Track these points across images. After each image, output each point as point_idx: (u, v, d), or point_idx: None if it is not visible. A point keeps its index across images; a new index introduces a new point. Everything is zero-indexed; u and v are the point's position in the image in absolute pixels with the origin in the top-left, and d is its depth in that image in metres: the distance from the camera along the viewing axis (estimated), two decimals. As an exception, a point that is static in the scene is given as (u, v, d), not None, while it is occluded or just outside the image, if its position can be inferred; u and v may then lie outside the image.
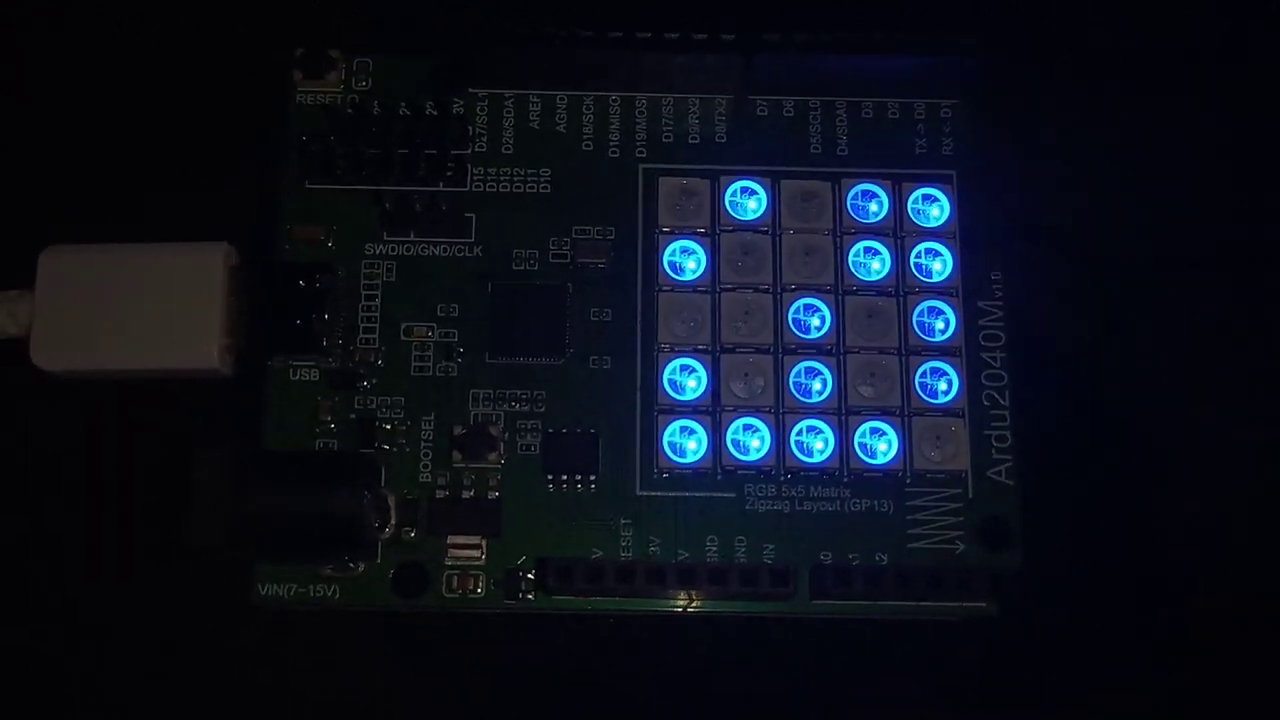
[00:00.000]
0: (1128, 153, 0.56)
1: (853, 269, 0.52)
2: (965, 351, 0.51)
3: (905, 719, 0.52)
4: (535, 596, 0.49)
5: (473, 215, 0.53)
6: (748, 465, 0.50)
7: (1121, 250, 0.55)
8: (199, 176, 0.55)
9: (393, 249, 0.52)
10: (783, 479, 0.50)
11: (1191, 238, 0.56)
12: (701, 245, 0.52)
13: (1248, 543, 0.53)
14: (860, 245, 0.52)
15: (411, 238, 0.52)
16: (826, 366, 0.51)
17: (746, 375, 0.51)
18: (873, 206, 0.53)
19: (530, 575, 0.49)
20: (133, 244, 0.51)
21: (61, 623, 0.51)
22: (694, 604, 0.50)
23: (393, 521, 0.50)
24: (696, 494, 0.50)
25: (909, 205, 0.53)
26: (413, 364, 0.51)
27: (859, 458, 0.50)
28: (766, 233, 0.52)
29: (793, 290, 0.52)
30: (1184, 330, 0.55)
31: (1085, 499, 0.53)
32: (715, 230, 0.52)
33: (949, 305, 0.52)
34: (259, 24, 0.56)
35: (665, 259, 0.52)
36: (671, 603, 0.50)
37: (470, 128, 0.53)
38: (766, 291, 0.52)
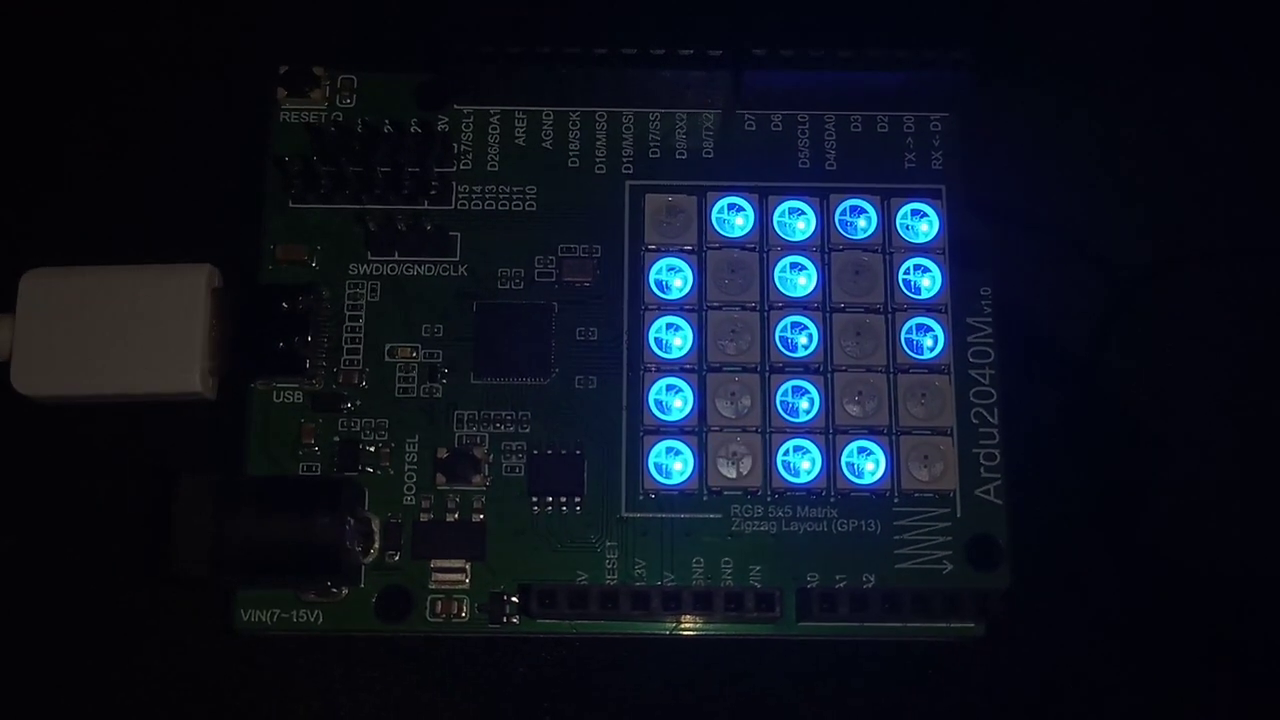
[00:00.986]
0: (1119, 167, 0.56)
1: (840, 286, 0.51)
2: (954, 369, 0.51)
3: (895, 739, 0.52)
4: (520, 621, 0.49)
5: (458, 234, 0.52)
6: (734, 486, 0.50)
7: (1113, 266, 0.55)
8: (181, 197, 0.54)
9: (377, 269, 0.52)
10: (769, 499, 0.50)
11: (1185, 253, 0.55)
12: (688, 263, 0.52)
13: (1240, 563, 0.53)
14: (849, 261, 0.52)
15: (396, 257, 0.52)
16: (814, 385, 0.51)
17: (733, 395, 0.51)
18: (861, 222, 0.52)
19: (514, 599, 0.49)
20: (114, 266, 0.51)
21: (42, 649, 0.51)
22: (680, 627, 0.49)
23: (376, 545, 0.49)
24: (682, 515, 0.50)
25: (898, 220, 0.52)
26: (397, 385, 0.51)
27: (846, 478, 0.50)
28: (754, 250, 0.52)
29: (780, 308, 0.51)
30: (1176, 347, 0.54)
31: (1074, 518, 0.52)
32: (702, 247, 0.52)
33: (938, 322, 0.51)
34: (242, 42, 0.56)
35: (651, 277, 0.52)
36: (657, 626, 0.50)
37: (455, 145, 0.53)
38: (753, 309, 0.51)
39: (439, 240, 0.52)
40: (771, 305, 0.51)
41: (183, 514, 0.46)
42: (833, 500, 0.50)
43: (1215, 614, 0.52)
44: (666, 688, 0.51)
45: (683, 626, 0.49)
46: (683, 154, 0.53)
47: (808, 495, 0.50)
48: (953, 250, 0.52)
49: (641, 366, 0.51)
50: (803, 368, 0.51)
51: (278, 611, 0.49)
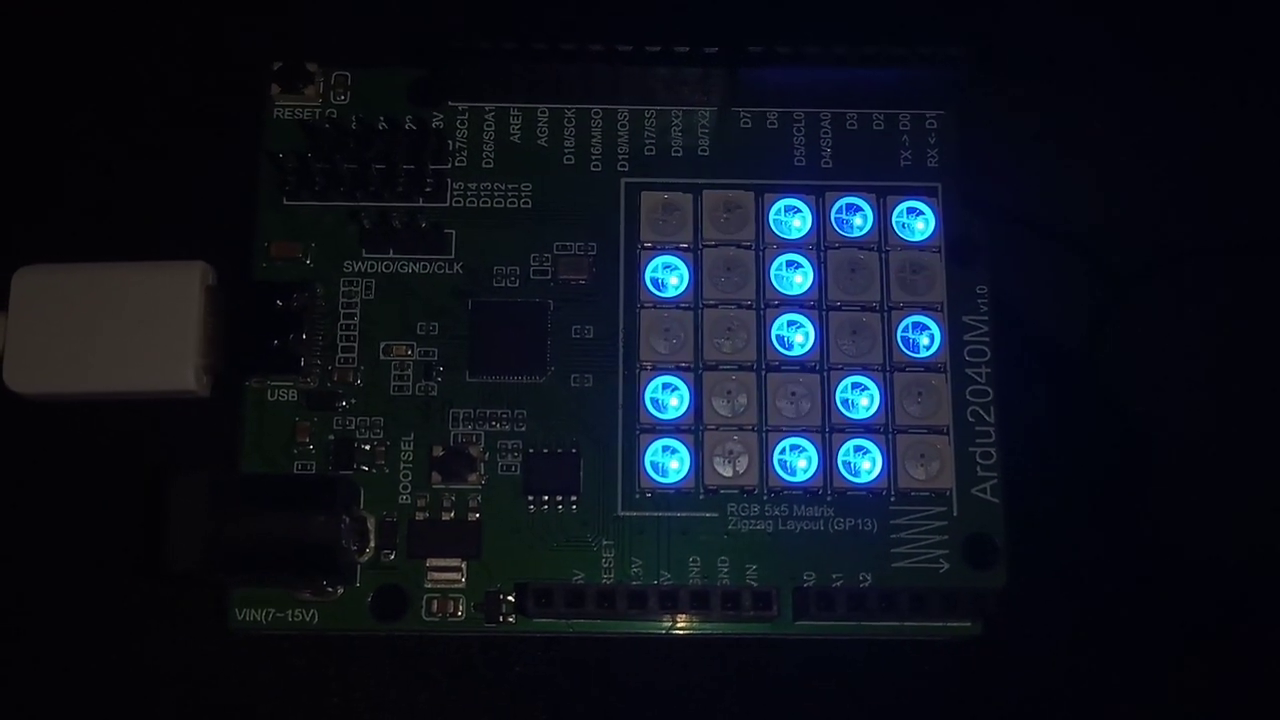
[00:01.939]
0: (1115, 165, 0.56)
1: (837, 284, 0.51)
2: (950, 367, 0.51)
3: (890, 739, 0.52)
4: (516, 620, 0.49)
5: (452, 231, 0.52)
6: (731, 485, 0.50)
7: (1110, 264, 0.55)
8: (174, 193, 0.54)
9: (371, 266, 0.52)
10: (766, 498, 0.50)
11: (1182, 252, 0.55)
12: (684, 260, 0.51)
13: (1238, 560, 0.53)
14: (845, 259, 0.52)
15: (390, 255, 0.52)
16: (810, 383, 0.50)
17: (729, 393, 0.50)
18: (857, 220, 0.52)
19: (510, 598, 0.49)
20: (107, 263, 0.50)
21: (36, 647, 0.51)
22: (676, 627, 0.49)
23: (371, 544, 0.49)
24: (679, 514, 0.50)
25: (893, 219, 0.52)
26: (392, 383, 0.51)
27: (843, 476, 0.50)
28: (750, 248, 0.52)
29: (776, 306, 0.51)
30: (1173, 346, 0.54)
31: (1070, 517, 0.52)
32: (698, 245, 0.52)
33: (934, 320, 0.51)
34: (235, 38, 0.56)
35: (647, 275, 0.51)
36: (654, 626, 0.49)
37: (450, 142, 0.53)
38: (750, 308, 0.51)
39: (434, 238, 0.52)
40: (768, 303, 0.51)
41: (177, 512, 0.46)
42: (829, 499, 0.50)
43: (1212, 612, 0.52)
44: (663, 687, 0.51)
45: (679, 625, 0.49)
46: (678, 152, 0.53)
47: (804, 494, 0.50)
48: (949, 249, 0.52)
49: (637, 365, 0.51)
50: (799, 367, 0.51)
51: (273, 610, 0.49)
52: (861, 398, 0.50)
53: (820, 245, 0.52)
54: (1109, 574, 0.52)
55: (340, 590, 0.49)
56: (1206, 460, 0.53)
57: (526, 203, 0.52)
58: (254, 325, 0.50)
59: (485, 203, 0.52)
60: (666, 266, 0.52)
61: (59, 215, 0.54)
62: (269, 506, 0.46)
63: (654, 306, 0.51)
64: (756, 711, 0.51)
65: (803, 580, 0.49)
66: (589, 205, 0.52)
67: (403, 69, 0.53)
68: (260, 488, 0.47)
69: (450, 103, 0.53)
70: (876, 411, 0.50)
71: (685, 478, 0.50)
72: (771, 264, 0.51)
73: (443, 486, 0.50)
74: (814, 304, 0.51)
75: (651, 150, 0.53)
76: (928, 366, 0.51)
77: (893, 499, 0.50)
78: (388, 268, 0.52)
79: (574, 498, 0.50)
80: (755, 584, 0.49)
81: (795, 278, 0.51)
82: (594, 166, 0.53)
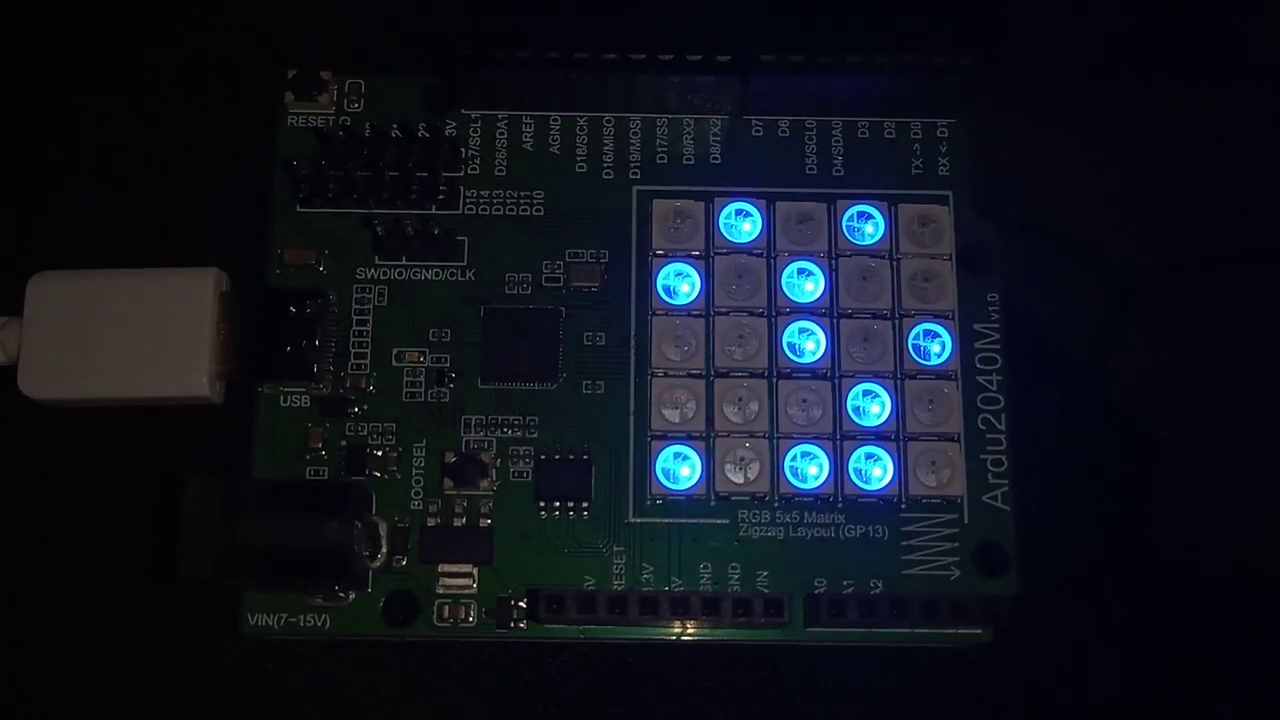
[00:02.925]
0: (1126, 173, 0.56)
1: (848, 291, 0.51)
2: (961, 375, 0.51)
3: (901, 746, 0.52)
4: (527, 626, 0.49)
5: (465, 238, 0.52)
6: (742, 491, 0.50)
7: (1121, 272, 0.55)
8: (189, 200, 0.54)
9: (384, 273, 0.52)
10: (777, 505, 0.50)
11: (1194, 257, 0.55)
12: (695, 268, 0.52)
13: (1249, 567, 0.53)
14: (856, 267, 0.52)
15: (403, 261, 0.52)
16: (821, 391, 0.51)
17: (740, 400, 0.51)
18: (868, 228, 0.52)
19: (522, 604, 0.49)
20: (122, 270, 0.50)
21: (49, 653, 0.51)
22: (688, 633, 0.49)
23: (384, 550, 0.49)
24: (690, 521, 0.50)
25: (904, 226, 0.52)
26: (404, 390, 0.51)
27: (854, 483, 0.50)
28: (761, 255, 0.52)
29: (787, 314, 0.51)
30: (1185, 353, 0.54)
31: (1081, 525, 0.52)
32: (709, 253, 0.52)
33: (945, 328, 0.51)
34: (250, 46, 0.56)
35: (659, 282, 0.52)
36: (665, 631, 0.49)
37: (463, 149, 0.53)
38: (761, 315, 0.51)
39: (446, 245, 0.52)
40: (779, 311, 0.51)
41: (190, 518, 0.46)
42: (840, 506, 0.50)
43: (1222, 620, 0.52)
44: (674, 693, 0.51)
45: (690, 632, 0.49)
46: (690, 160, 0.53)
47: (815, 501, 0.50)
48: (960, 257, 0.52)
49: (649, 372, 0.51)
50: (810, 373, 0.51)
51: (285, 616, 0.49)
52: (873, 405, 0.51)
53: (832, 253, 0.52)
54: (1120, 582, 0.52)
55: (352, 596, 0.49)
56: (1218, 468, 0.53)
57: (539, 210, 0.53)
58: (267, 331, 0.50)
59: (498, 210, 0.52)
60: (678, 274, 0.52)
61: (73, 222, 0.54)
62: (281, 512, 0.47)
63: (665, 314, 0.51)
64: (767, 718, 0.51)
65: (814, 587, 0.49)
66: (601, 213, 0.52)
67: (417, 77, 0.53)
68: (273, 493, 0.47)
69: (463, 110, 0.53)
70: (888, 419, 0.50)
71: (696, 484, 0.50)
72: (783, 271, 0.52)
73: (455, 492, 0.50)
74: (825, 311, 0.51)
75: (664, 158, 0.53)
76: (939, 374, 0.51)
77: (904, 506, 0.50)
78: (400, 274, 0.52)
79: (585, 504, 0.50)
80: (766, 590, 0.49)
81: (806, 285, 0.51)
82: (606, 174, 0.53)
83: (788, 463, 0.50)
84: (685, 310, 0.51)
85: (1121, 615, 0.52)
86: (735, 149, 0.53)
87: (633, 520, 0.50)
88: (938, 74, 0.52)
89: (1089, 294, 0.55)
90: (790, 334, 0.51)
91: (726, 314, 0.51)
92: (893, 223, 0.52)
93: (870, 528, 0.50)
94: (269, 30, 0.56)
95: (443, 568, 0.49)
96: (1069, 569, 0.52)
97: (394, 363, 0.51)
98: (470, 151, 0.53)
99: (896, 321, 0.51)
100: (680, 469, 0.50)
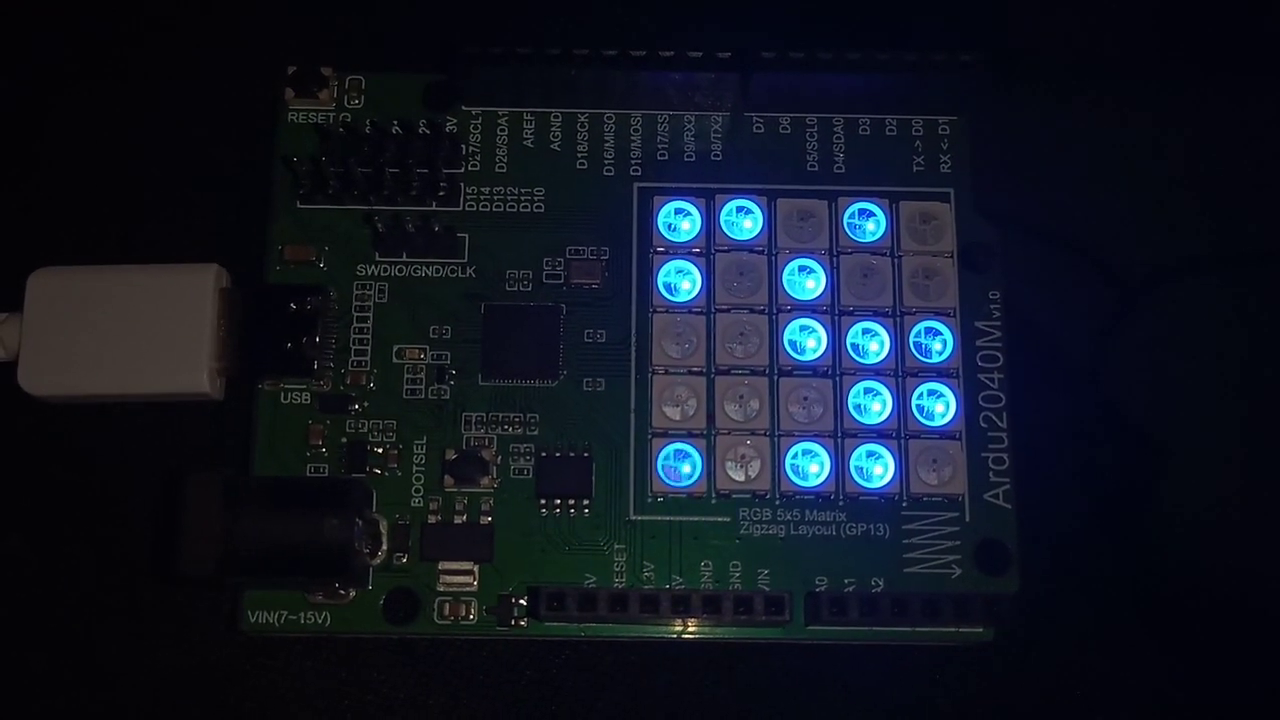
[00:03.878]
0: (1128, 171, 0.55)
1: (849, 289, 0.51)
2: (963, 373, 0.51)
3: (902, 744, 0.52)
4: (528, 623, 0.49)
5: (466, 235, 0.52)
6: (743, 489, 0.50)
7: (1122, 269, 0.55)
8: (189, 197, 0.54)
9: (385, 269, 0.52)
10: (778, 503, 0.50)
11: (1195, 258, 0.55)
12: (696, 265, 0.52)
13: (1249, 569, 0.53)
14: (857, 264, 0.52)
15: (404, 258, 0.52)
16: (822, 388, 0.50)
17: (741, 397, 0.50)
18: (870, 225, 0.52)
19: (523, 602, 0.49)
20: (122, 266, 0.50)
21: (47, 649, 0.51)
22: (688, 631, 0.49)
23: (384, 547, 0.49)
24: (691, 518, 0.50)
25: (906, 224, 0.52)
26: (405, 387, 0.51)
27: (855, 481, 0.50)
28: (762, 253, 0.52)
29: (788, 311, 0.51)
30: (1185, 353, 0.54)
31: (1083, 523, 0.52)
32: (710, 250, 0.52)
33: (947, 326, 0.51)
34: (250, 42, 0.56)
35: (660, 280, 0.51)
36: (666, 629, 0.49)
37: (464, 146, 0.53)
38: (762, 312, 0.51)
39: (447, 241, 0.52)
40: (780, 308, 0.51)
41: (190, 514, 0.46)
42: (841, 504, 0.50)
43: (1224, 619, 0.52)
44: (674, 691, 0.51)
45: (691, 630, 0.49)
46: (691, 156, 0.53)
47: (816, 499, 0.50)
48: (961, 254, 0.52)
49: (650, 369, 0.51)
50: (811, 371, 0.51)
51: (285, 613, 0.49)
52: (874, 403, 0.50)
53: (833, 250, 0.52)
54: (1121, 579, 0.52)
55: (352, 593, 0.49)
56: (1218, 466, 0.53)
57: (539, 207, 0.52)
58: (267, 328, 0.50)
59: (498, 206, 0.52)
60: (679, 271, 0.52)
61: (74, 218, 0.54)
62: (282, 509, 0.46)
63: (666, 311, 0.51)
64: (768, 716, 0.51)
65: (815, 585, 0.49)
66: (602, 209, 0.52)
67: (417, 73, 0.53)
68: (273, 490, 0.47)
69: (464, 107, 0.53)
70: (889, 417, 0.50)
71: (697, 482, 0.50)
72: (784, 269, 0.51)
73: (455, 490, 0.50)
74: (826, 309, 0.51)
75: (664, 155, 0.53)
76: (940, 372, 0.51)
77: (905, 504, 0.50)
78: (401, 271, 0.52)
79: (586, 501, 0.50)
80: (767, 588, 0.49)
81: (807, 282, 0.51)
82: (607, 171, 0.53)
83: (789, 460, 0.50)
84: (686, 307, 0.51)
85: (1122, 613, 0.52)
86: (736, 146, 0.53)
87: (633, 518, 0.50)
88: (939, 71, 0.52)
89: (1091, 292, 0.55)
90: (791, 331, 0.51)
91: (727, 311, 0.51)
92: (894, 220, 0.52)
93: (871, 526, 0.50)
94: (269, 26, 0.56)
95: (443, 565, 0.49)
96: (1070, 567, 0.52)
97: (394, 359, 0.51)
98: (471, 148, 0.53)
99: (898, 319, 0.51)
100: (681, 466, 0.50)
